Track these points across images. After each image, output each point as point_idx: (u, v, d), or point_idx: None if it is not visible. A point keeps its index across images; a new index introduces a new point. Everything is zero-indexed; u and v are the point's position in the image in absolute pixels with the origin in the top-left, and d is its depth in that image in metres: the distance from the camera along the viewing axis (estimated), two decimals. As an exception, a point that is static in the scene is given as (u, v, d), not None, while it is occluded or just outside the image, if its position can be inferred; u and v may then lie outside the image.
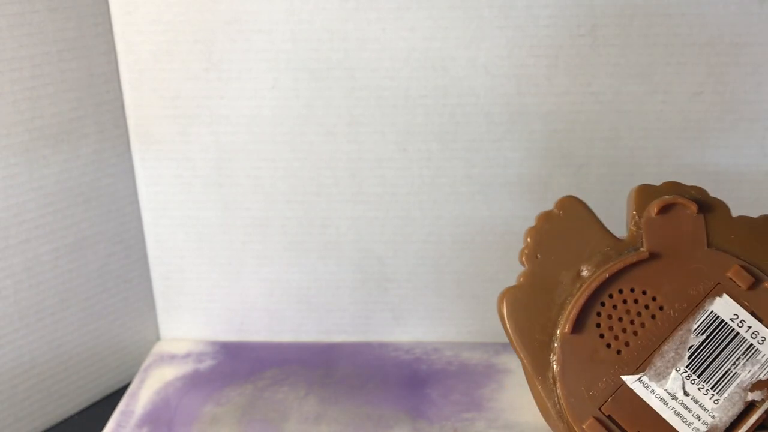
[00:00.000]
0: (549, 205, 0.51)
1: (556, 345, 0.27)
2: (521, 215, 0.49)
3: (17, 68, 0.43)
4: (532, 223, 0.45)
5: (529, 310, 0.27)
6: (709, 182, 0.49)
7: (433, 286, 0.52)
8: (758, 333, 0.26)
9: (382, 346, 0.53)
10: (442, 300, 0.52)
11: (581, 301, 0.26)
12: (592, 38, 0.46)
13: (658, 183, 0.49)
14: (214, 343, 0.54)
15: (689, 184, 0.49)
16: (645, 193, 0.26)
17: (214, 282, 0.53)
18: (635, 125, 0.47)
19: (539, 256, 0.27)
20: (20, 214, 0.45)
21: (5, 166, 0.44)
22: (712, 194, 0.49)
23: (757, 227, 0.26)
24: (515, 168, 0.49)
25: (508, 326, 0.27)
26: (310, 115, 0.48)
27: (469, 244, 0.51)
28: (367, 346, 0.53)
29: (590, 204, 0.49)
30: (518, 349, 0.28)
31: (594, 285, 0.26)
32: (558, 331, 0.27)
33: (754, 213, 0.49)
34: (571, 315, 0.27)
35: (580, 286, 0.27)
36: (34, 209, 0.46)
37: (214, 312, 0.54)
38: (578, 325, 0.27)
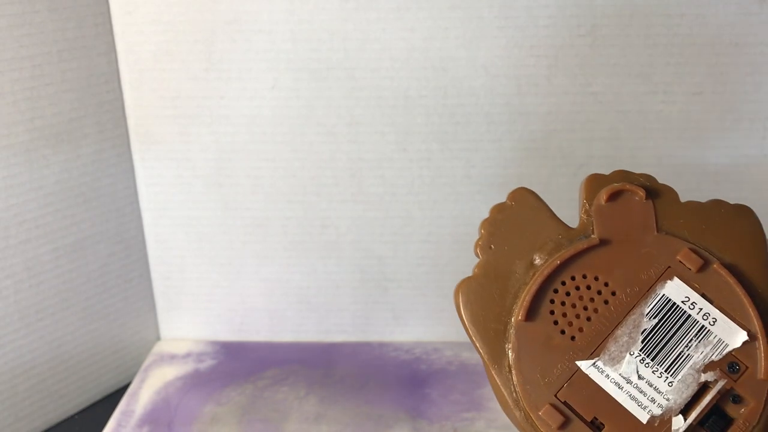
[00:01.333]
0: (549, 204, 0.51)
1: (511, 333, 0.27)
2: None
3: (17, 68, 0.43)
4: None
5: (483, 300, 0.28)
6: (709, 182, 0.49)
7: (433, 286, 0.52)
8: (709, 314, 0.26)
9: (382, 346, 0.54)
10: (442, 300, 0.53)
11: (534, 288, 0.27)
12: (592, 38, 0.46)
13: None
14: (214, 343, 0.54)
15: (689, 183, 0.49)
16: (595, 182, 0.26)
17: (214, 282, 0.53)
18: (635, 125, 0.47)
19: (493, 247, 0.27)
20: (20, 214, 0.45)
21: (6, 166, 0.44)
22: (713, 195, 0.49)
23: (705, 211, 0.26)
24: (515, 168, 0.49)
25: (463, 316, 0.28)
26: (310, 115, 0.48)
27: (469, 244, 0.51)
28: (367, 346, 0.54)
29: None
30: (474, 338, 0.28)
31: (546, 272, 0.27)
32: (512, 319, 0.27)
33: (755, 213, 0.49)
34: (525, 302, 0.27)
35: (533, 274, 0.27)
36: (34, 209, 0.46)
37: (214, 312, 0.54)
38: (532, 313, 0.27)
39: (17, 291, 0.46)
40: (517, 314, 0.27)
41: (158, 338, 0.55)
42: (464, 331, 0.53)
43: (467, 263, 0.51)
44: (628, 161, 0.48)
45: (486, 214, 0.50)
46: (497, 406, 0.47)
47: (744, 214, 0.26)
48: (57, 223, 0.47)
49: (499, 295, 0.27)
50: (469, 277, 0.27)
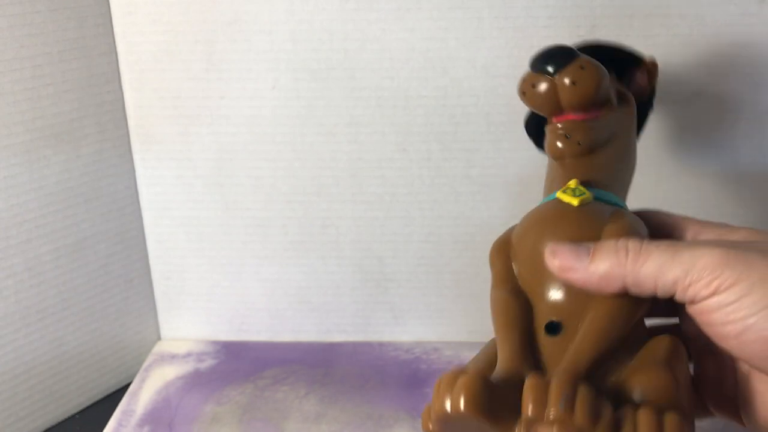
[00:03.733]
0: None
1: None
2: (521, 215, 0.49)
3: (18, 68, 0.43)
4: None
5: None
6: (709, 182, 0.49)
7: (433, 286, 0.52)
8: None
9: (382, 345, 0.54)
10: (442, 300, 0.53)
11: None
12: (592, 38, 0.46)
13: (657, 183, 0.49)
14: (214, 343, 0.54)
15: (688, 183, 0.49)
16: None
17: (214, 282, 0.53)
18: (635, 125, 0.48)
19: None
20: (21, 214, 0.45)
21: (6, 166, 0.44)
22: (712, 194, 0.49)
23: None
24: (515, 168, 0.49)
25: None
26: (311, 115, 0.48)
27: (469, 244, 0.51)
28: (367, 345, 0.54)
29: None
30: None
31: None
32: None
33: (754, 213, 0.49)
34: None
35: None
36: (35, 209, 0.46)
37: (214, 312, 0.54)
38: None
39: (18, 291, 0.46)
40: None
41: (159, 338, 0.55)
42: (464, 331, 0.53)
43: (467, 263, 0.52)
44: (627, 161, 0.48)
45: (486, 214, 0.51)
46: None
47: None
48: (58, 223, 0.47)
49: None
50: None
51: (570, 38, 0.46)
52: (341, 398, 0.48)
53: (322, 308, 0.53)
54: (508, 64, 0.47)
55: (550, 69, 0.35)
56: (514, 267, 0.33)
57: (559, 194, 0.33)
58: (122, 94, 0.49)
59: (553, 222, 0.32)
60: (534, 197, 0.49)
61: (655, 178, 0.49)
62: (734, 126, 0.47)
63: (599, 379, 0.28)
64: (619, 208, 0.34)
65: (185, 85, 0.48)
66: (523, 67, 0.47)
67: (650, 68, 0.38)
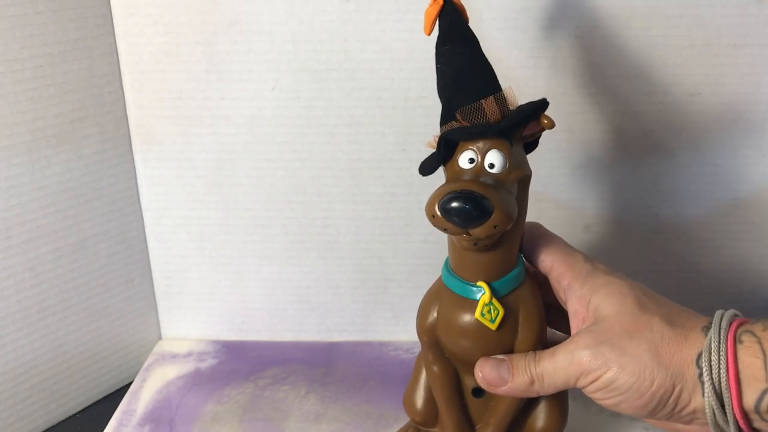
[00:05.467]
0: (548, 205, 0.51)
1: None
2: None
3: (19, 69, 0.43)
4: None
5: None
6: (708, 182, 0.49)
7: (433, 286, 0.52)
8: None
9: (382, 345, 0.54)
10: (442, 299, 0.53)
11: None
12: (591, 39, 0.46)
13: (655, 183, 0.49)
14: (215, 343, 0.55)
15: (687, 183, 0.49)
16: None
17: (215, 282, 0.53)
18: (635, 125, 0.48)
19: None
20: (22, 214, 0.46)
21: (7, 167, 0.44)
22: (712, 194, 0.49)
23: None
24: (515, 168, 0.49)
25: None
26: (311, 116, 0.49)
27: (468, 244, 0.51)
28: (367, 345, 0.54)
29: (588, 203, 0.49)
30: None
31: None
32: None
33: (753, 213, 0.50)
34: None
35: None
36: (36, 209, 0.46)
37: (215, 311, 0.54)
38: None
39: (19, 291, 0.46)
40: None
41: (159, 338, 0.55)
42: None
43: (467, 263, 0.52)
44: (627, 161, 0.49)
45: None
46: (496, 406, 0.47)
47: None
48: (58, 223, 0.47)
49: None
50: None
51: (569, 38, 0.46)
52: (341, 398, 0.48)
53: (323, 308, 0.54)
54: (508, 65, 0.47)
55: (463, 225, 0.35)
56: (443, 348, 0.40)
57: (477, 316, 0.37)
58: (123, 94, 0.49)
59: (476, 338, 0.38)
60: (533, 197, 0.49)
61: (655, 179, 0.49)
62: (733, 126, 0.47)
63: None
64: (522, 290, 0.38)
65: (186, 85, 0.48)
66: (524, 68, 0.47)
67: (545, 125, 0.38)
